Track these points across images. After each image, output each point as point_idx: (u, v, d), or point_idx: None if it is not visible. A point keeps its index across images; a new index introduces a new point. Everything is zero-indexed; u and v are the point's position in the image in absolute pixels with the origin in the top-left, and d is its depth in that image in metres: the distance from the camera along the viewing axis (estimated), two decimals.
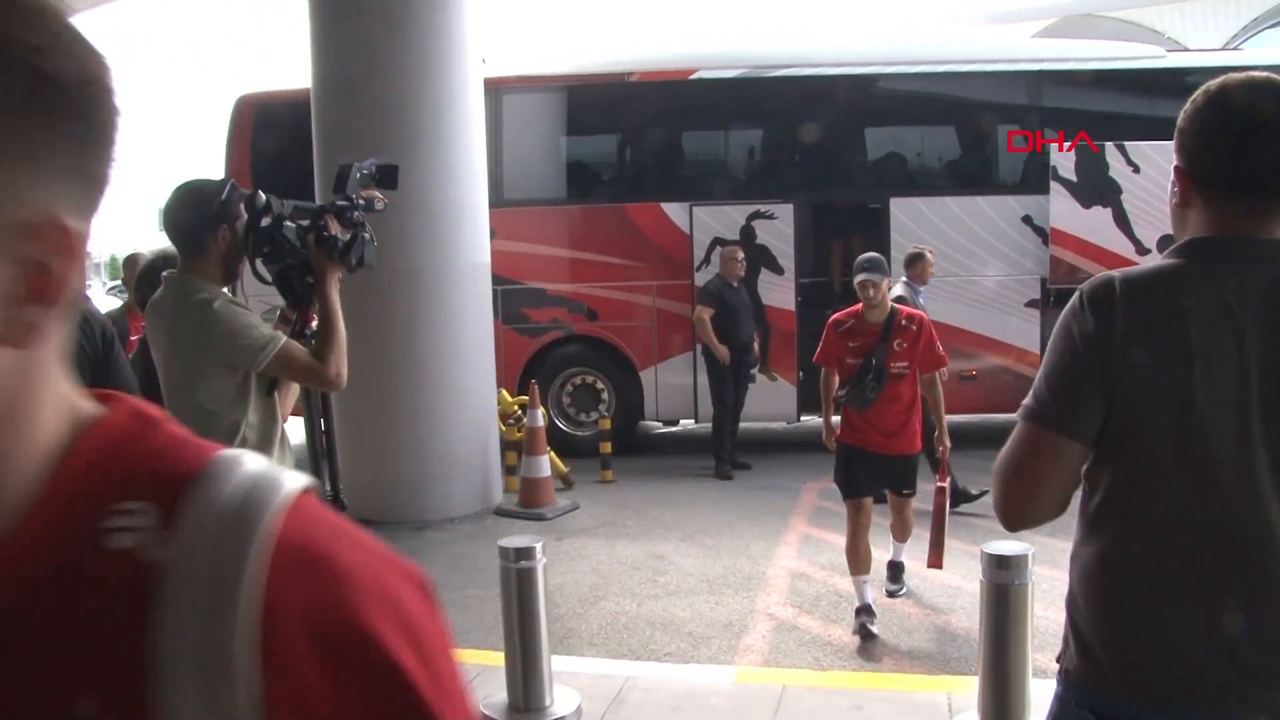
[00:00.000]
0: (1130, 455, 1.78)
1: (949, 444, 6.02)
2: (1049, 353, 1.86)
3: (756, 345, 10.03)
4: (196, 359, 3.17)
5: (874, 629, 5.62)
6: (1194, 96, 1.85)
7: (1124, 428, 1.77)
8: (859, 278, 5.77)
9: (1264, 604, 1.72)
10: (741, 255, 9.86)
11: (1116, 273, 1.82)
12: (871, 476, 5.94)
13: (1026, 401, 1.86)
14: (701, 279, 10.52)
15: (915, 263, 8.36)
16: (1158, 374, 1.75)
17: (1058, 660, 1.95)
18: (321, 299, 3.29)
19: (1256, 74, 1.81)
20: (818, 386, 9.93)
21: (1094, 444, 1.80)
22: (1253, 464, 1.70)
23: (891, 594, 6.33)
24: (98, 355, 1.92)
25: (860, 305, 5.87)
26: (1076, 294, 1.83)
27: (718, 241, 10.49)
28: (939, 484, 5.99)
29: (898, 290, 8.25)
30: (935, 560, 5.83)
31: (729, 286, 9.74)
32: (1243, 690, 1.73)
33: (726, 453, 9.86)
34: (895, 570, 6.46)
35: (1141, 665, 1.79)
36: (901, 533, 6.33)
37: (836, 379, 6.00)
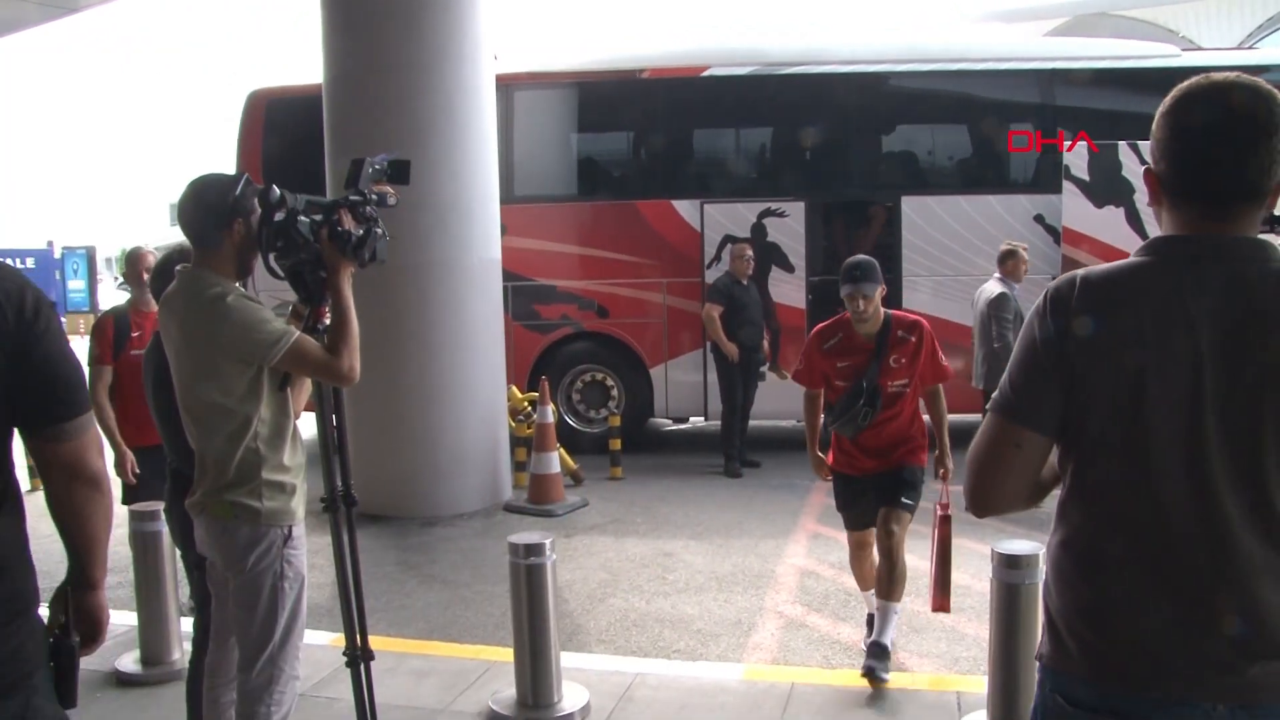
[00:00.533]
0: (1086, 447, 1.85)
1: (951, 466, 5.10)
2: (1015, 348, 1.93)
3: (766, 343, 10.02)
4: (209, 354, 3.17)
5: (884, 676, 4.79)
6: (1164, 99, 1.89)
7: (1080, 421, 1.84)
8: (845, 290, 4.96)
9: (1221, 593, 1.75)
10: (750, 253, 9.86)
11: (1080, 271, 1.90)
12: (873, 502, 5.16)
13: (995, 394, 1.95)
14: (712, 276, 10.51)
15: (1007, 259, 8.47)
16: (1110, 369, 1.80)
17: (1039, 646, 1.99)
18: (334, 294, 3.29)
19: (1219, 77, 1.83)
20: None
21: (1057, 436, 1.88)
22: (1205, 457, 1.75)
23: (871, 674, 4.85)
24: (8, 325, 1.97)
25: (848, 314, 5.05)
26: (1043, 293, 1.92)
27: (728, 239, 10.48)
28: (941, 513, 5.04)
29: (994, 287, 8.29)
30: (941, 603, 4.96)
31: (738, 284, 9.73)
32: (1202, 676, 1.76)
33: (736, 450, 9.85)
34: (879, 651, 4.92)
35: (1104, 652, 1.83)
36: (889, 583, 5.08)
37: (821, 400, 5.26)
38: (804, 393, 5.35)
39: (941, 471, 5.22)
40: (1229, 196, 1.83)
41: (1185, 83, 1.86)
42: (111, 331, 5.70)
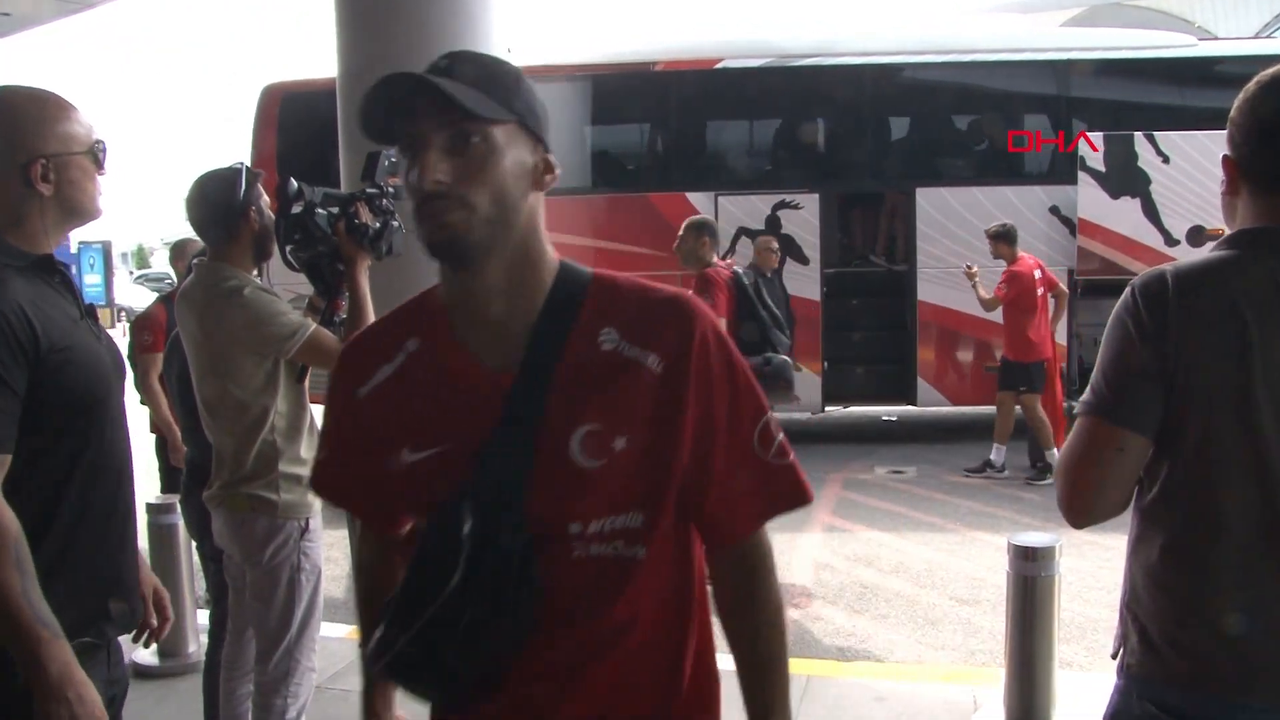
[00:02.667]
0: (1188, 447, 1.76)
1: None
2: (1104, 348, 1.84)
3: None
4: (226, 346, 3.18)
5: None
6: (1246, 86, 1.83)
7: (1181, 419, 1.75)
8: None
9: None
10: (776, 245, 9.80)
11: (1168, 266, 1.81)
12: None
13: (1085, 396, 1.84)
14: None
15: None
16: (1214, 365, 1.73)
17: (1113, 656, 1.93)
18: (352, 286, 3.29)
19: None
20: (841, 378, 9.90)
21: (1154, 437, 1.79)
22: None
23: None
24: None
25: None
26: (1128, 288, 1.82)
27: (743, 231, 10.47)
28: None
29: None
30: None
31: (764, 277, 9.66)
32: None
33: None
34: None
35: (1210, 660, 1.76)
36: None
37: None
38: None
39: None
40: None
41: (1270, 70, 1.81)
42: (165, 318, 5.73)
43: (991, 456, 9.11)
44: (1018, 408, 9.00)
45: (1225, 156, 1.87)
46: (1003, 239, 8.93)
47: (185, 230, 3.43)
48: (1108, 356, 1.83)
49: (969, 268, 9.23)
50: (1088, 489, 1.83)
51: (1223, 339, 1.72)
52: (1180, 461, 1.78)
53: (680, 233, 6.47)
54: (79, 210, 2.12)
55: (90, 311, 2.14)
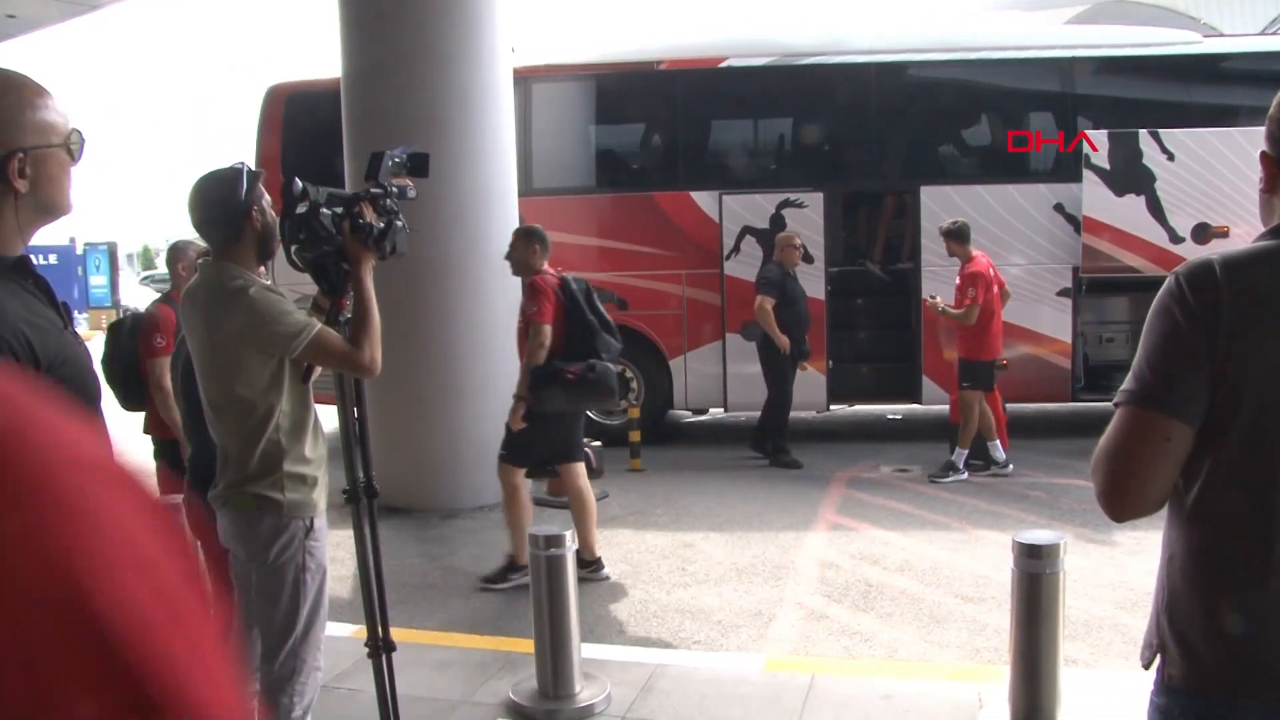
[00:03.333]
0: (1235, 440, 1.71)
1: None
2: (1147, 336, 1.79)
3: None
4: (231, 346, 3.19)
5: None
6: None
7: (1229, 410, 1.70)
8: None
9: None
10: (799, 242, 9.78)
11: (1213, 255, 1.77)
12: None
13: (1126, 386, 1.78)
14: (731, 268, 10.50)
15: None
16: (1265, 353, 1.69)
17: (1146, 666, 1.87)
18: (356, 286, 3.31)
19: None
20: (846, 376, 9.90)
21: (1197, 430, 1.73)
22: None
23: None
24: None
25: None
26: (1172, 277, 1.77)
27: (747, 230, 10.47)
28: None
29: None
30: None
31: (789, 276, 9.64)
32: None
33: (786, 440, 9.79)
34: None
35: (1260, 665, 1.71)
36: None
37: None
38: None
39: None
40: None
41: None
42: (175, 319, 5.69)
43: (994, 455, 9.10)
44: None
45: (1263, 153, 1.87)
46: (956, 237, 8.91)
47: (191, 232, 3.43)
48: (1153, 344, 1.77)
49: (930, 298, 9.23)
50: (1134, 482, 1.77)
51: (1273, 327, 1.69)
52: (1225, 458, 1.72)
53: (510, 241, 6.52)
54: (54, 208, 1.99)
55: (66, 314, 2.03)
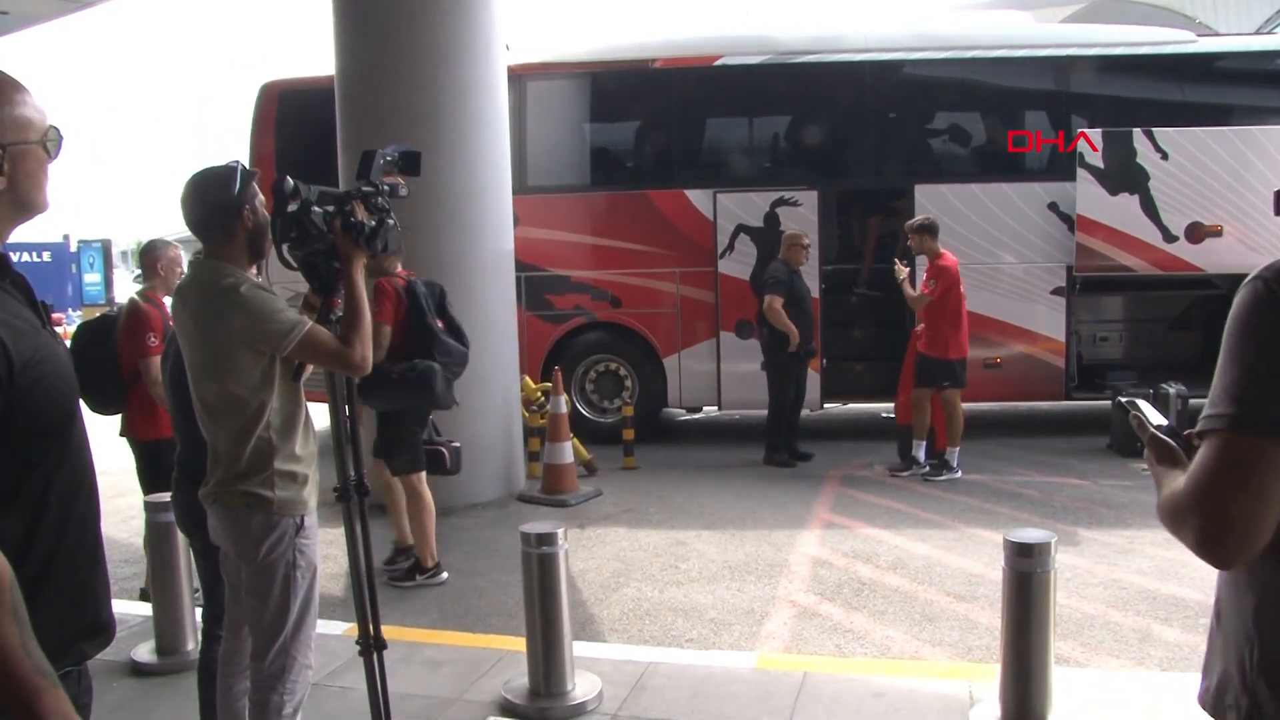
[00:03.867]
0: None
1: None
2: (1239, 351, 1.55)
3: None
4: (223, 343, 3.19)
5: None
6: None
7: None
8: None
9: None
10: (807, 241, 9.75)
11: None
12: None
13: (1221, 410, 1.53)
14: (726, 266, 10.51)
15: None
16: None
17: (1203, 704, 1.72)
18: (347, 284, 3.30)
19: None
20: (840, 374, 9.90)
21: None
22: None
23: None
24: None
25: None
26: (1257, 281, 1.56)
27: (741, 228, 10.48)
28: None
29: None
30: None
31: (795, 274, 9.61)
32: None
33: (782, 440, 9.76)
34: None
35: None
36: None
37: None
38: None
39: None
40: None
41: None
42: (162, 316, 5.67)
43: (916, 455, 9.14)
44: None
45: None
46: (926, 232, 8.92)
47: (184, 229, 3.41)
48: (1248, 362, 1.54)
49: (898, 262, 9.29)
50: (1244, 522, 1.50)
51: None
52: None
53: None
54: (31, 205, 1.95)
55: (45, 313, 1.99)
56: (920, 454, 9.10)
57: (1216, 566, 1.58)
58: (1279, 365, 1.51)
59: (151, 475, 5.65)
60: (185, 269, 4.48)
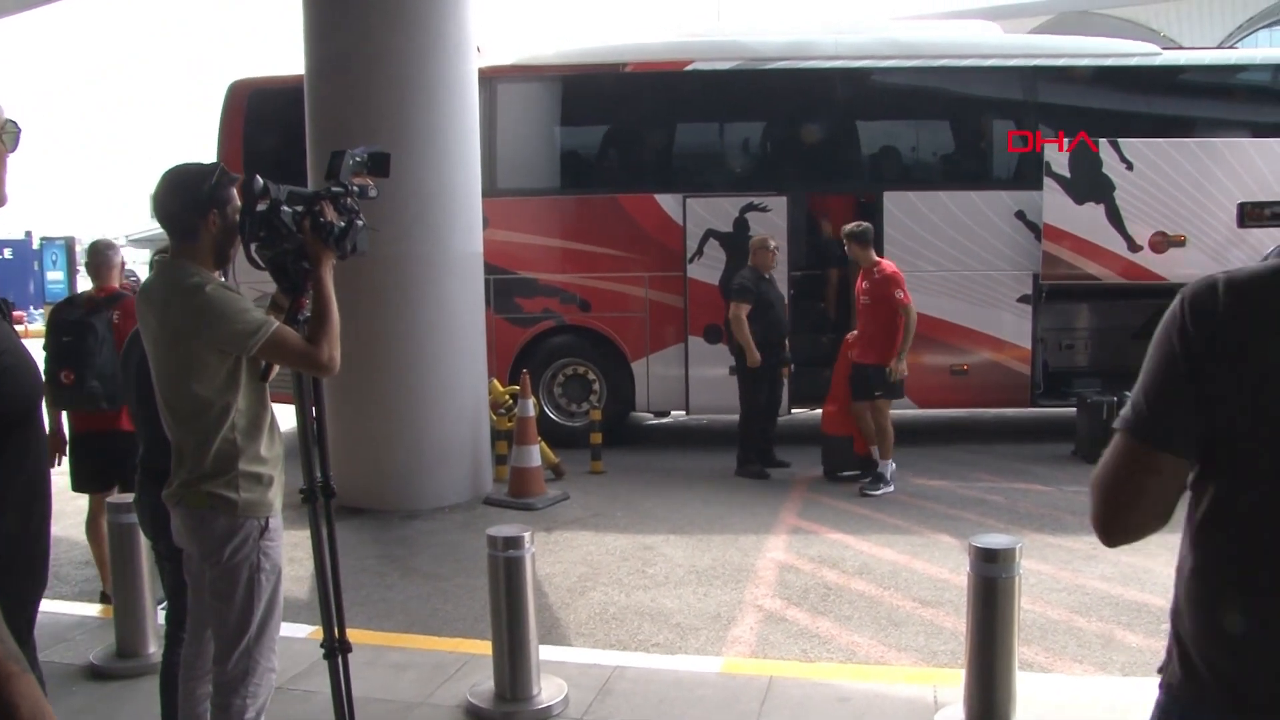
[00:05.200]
0: (1232, 469, 1.68)
1: None
2: (1148, 361, 1.74)
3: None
4: (188, 344, 3.16)
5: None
6: None
7: (1226, 440, 1.67)
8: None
9: None
10: (775, 245, 9.70)
11: (1220, 275, 1.70)
12: None
13: (1124, 412, 1.75)
14: (695, 271, 10.52)
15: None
16: (1260, 384, 1.64)
17: (1159, 671, 1.85)
18: (316, 284, 3.28)
19: None
20: (808, 380, 9.91)
21: (1196, 456, 1.70)
22: None
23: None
24: None
25: None
26: (1178, 299, 1.71)
27: (710, 233, 10.50)
28: None
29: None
30: None
31: (763, 279, 9.56)
32: None
33: (754, 451, 9.68)
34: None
35: (1247, 685, 1.70)
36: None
37: None
38: None
39: None
40: None
41: None
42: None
43: (883, 470, 8.82)
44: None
45: None
46: (858, 240, 8.79)
47: (150, 226, 3.39)
48: (1149, 372, 1.73)
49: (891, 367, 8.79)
50: (1122, 512, 1.76)
51: (1269, 355, 1.64)
52: (1225, 482, 1.70)
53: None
54: None
55: (5, 308, 1.98)
56: (885, 468, 8.83)
57: (1104, 544, 1.82)
58: (1165, 384, 1.70)
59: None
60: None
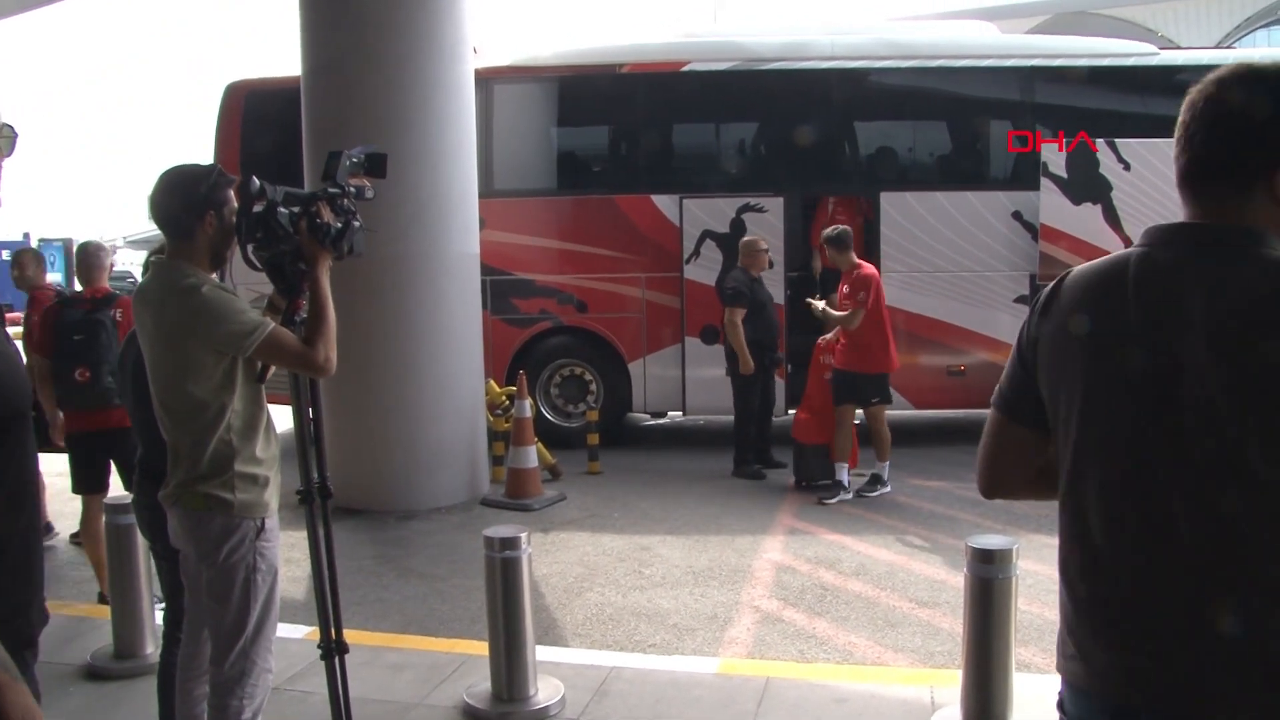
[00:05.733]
0: (1071, 446, 1.80)
1: None
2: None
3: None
4: (184, 345, 3.16)
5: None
6: None
7: (1065, 419, 1.81)
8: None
9: (1192, 598, 1.64)
10: (766, 245, 9.68)
11: (1079, 266, 1.89)
12: None
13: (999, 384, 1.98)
14: (691, 272, 10.52)
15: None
16: (1086, 366, 1.77)
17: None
18: (313, 285, 3.28)
19: (1233, 64, 1.79)
20: (803, 381, 9.91)
21: (1045, 432, 1.87)
22: (1162, 450, 1.67)
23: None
24: None
25: None
26: (1042, 289, 1.93)
27: (707, 234, 10.50)
28: None
29: None
30: None
31: (755, 281, 9.55)
32: (1203, 694, 1.64)
33: (751, 453, 9.66)
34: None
35: (1088, 665, 1.77)
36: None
37: None
38: None
39: None
40: (1200, 175, 1.82)
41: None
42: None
43: (842, 478, 8.60)
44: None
45: None
46: (838, 244, 8.60)
47: (149, 228, 3.40)
48: (1013, 351, 1.94)
49: (811, 301, 8.95)
50: (986, 468, 2.02)
51: (1070, 337, 1.79)
52: (1068, 459, 1.82)
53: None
54: None
55: None
56: (844, 476, 8.57)
57: (983, 497, 2.11)
58: (1015, 361, 1.92)
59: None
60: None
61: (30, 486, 1.93)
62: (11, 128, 1.94)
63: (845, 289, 8.63)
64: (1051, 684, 4.84)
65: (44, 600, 2.11)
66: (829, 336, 8.79)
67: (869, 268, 8.72)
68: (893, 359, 8.69)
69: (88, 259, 6.21)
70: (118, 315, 5.85)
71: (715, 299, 10.19)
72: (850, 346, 8.55)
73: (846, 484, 8.57)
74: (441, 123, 8.27)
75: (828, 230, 8.92)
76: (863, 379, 8.53)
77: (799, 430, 9.03)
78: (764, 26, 13.28)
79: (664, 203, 10.68)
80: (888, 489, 8.71)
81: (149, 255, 3.44)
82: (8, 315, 5.17)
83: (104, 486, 5.90)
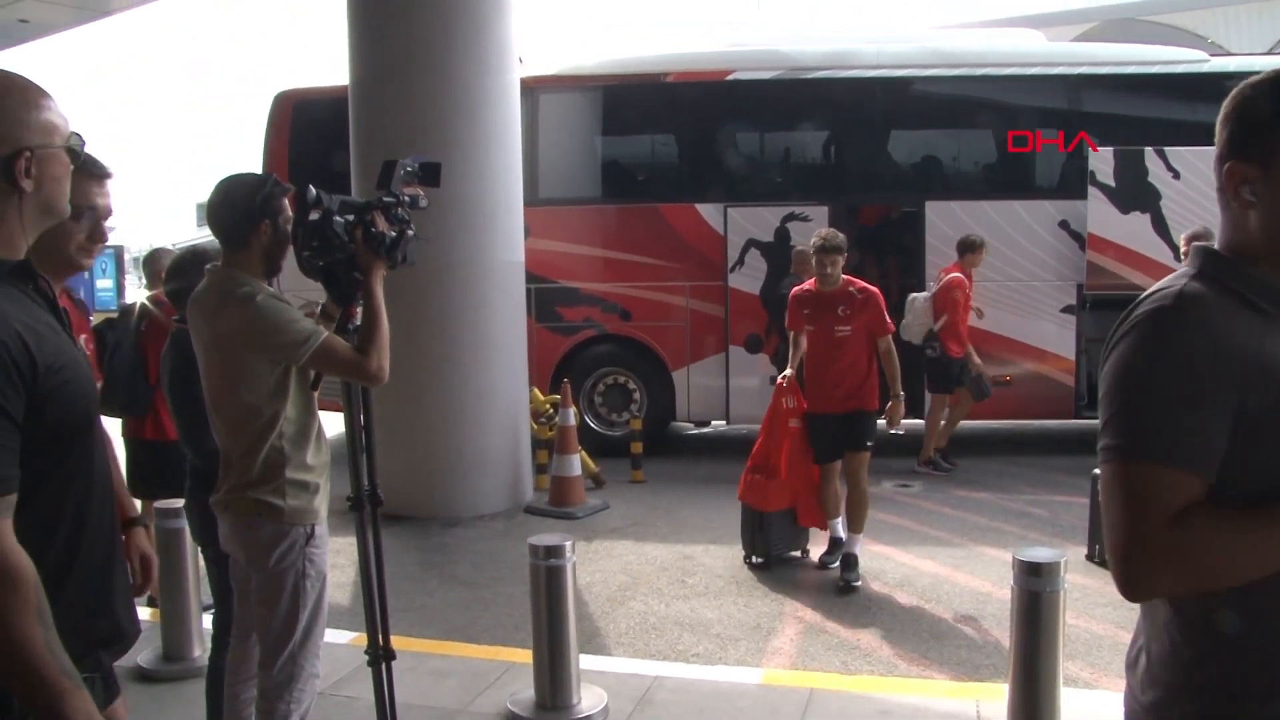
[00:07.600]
0: (1261, 489, 1.62)
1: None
2: (1132, 376, 1.70)
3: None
4: (238, 352, 3.20)
5: (856, 583, 6.50)
6: None
7: (1247, 458, 1.62)
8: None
9: None
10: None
11: (1170, 293, 1.78)
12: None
13: (1121, 439, 1.66)
14: (735, 281, 10.51)
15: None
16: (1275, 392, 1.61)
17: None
18: (367, 294, 3.32)
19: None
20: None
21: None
22: None
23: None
24: None
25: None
26: (1155, 308, 1.78)
27: (751, 243, 10.48)
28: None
29: None
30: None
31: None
32: None
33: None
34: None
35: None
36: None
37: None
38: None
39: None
40: None
41: None
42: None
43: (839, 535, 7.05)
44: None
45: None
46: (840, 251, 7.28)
47: (201, 235, 3.45)
48: (1149, 387, 1.66)
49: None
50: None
51: None
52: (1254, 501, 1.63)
53: None
54: (55, 210, 1.94)
55: (65, 320, 1.99)
56: (842, 533, 6.95)
57: (1134, 600, 1.83)
58: (1189, 396, 1.61)
59: (162, 478, 5.69)
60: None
61: (97, 495, 1.97)
62: (80, 136, 1.97)
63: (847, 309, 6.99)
64: (1099, 699, 4.79)
65: (133, 605, 2.17)
66: (789, 373, 6.97)
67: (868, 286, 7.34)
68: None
69: (152, 265, 6.37)
70: (143, 326, 5.90)
71: (759, 308, 10.17)
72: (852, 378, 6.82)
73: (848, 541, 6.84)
74: (487, 132, 8.32)
75: (825, 234, 7.31)
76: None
77: (751, 494, 7.06)
78: (808, 35, 13.22)
79: (708, 211, 10.68)
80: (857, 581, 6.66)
81: (209, 264, 3.48)
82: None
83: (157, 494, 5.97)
